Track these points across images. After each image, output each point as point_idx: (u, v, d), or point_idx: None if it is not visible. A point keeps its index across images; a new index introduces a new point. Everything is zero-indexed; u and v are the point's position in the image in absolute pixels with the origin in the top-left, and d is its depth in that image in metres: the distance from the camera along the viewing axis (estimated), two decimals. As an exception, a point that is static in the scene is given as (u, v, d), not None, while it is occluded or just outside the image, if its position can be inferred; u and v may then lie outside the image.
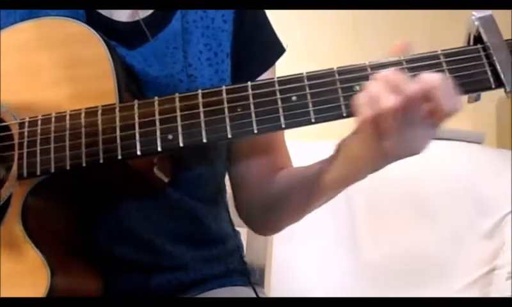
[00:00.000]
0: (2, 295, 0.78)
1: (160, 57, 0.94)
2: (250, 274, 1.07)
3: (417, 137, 0.73)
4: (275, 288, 1.40)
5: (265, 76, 1.00)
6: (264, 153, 1.01)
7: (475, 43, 0.75)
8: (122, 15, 0.97)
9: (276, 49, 1.05)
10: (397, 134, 0.72)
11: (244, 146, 1.02)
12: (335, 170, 0.83)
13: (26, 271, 0.78)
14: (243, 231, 1.20)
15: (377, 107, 0.70)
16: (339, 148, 0.81)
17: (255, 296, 0.97)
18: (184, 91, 0.92)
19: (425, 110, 0.71)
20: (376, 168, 0.79)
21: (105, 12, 0.97)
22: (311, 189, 0.89)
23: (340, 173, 0.82)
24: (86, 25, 0.86)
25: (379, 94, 0.70)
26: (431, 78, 0.70)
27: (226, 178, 1.08)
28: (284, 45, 1.06)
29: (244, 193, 1.04)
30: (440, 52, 0.74)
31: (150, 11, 0.98)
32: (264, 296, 1.03)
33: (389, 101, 0.70)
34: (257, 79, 0.98)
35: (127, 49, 0.93)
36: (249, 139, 0.99)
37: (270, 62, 1.03)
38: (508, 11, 0.87)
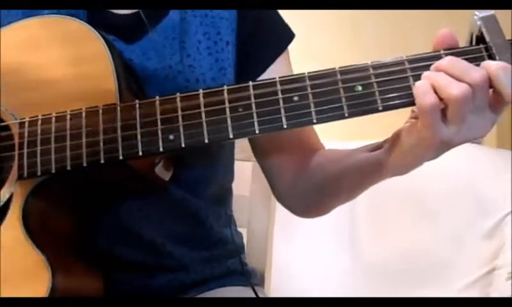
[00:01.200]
0: (3, 296, 0.78)
1: (158, 49, 0.94)
2: (250, 275, 1.07)
3: (480, 123, 0.72)
4: (275, 288, 1.40)
5: (278, 62, 1.00)
6: (294, 140, 1.00)
7: (477, 43, 0.74)
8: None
9: (282, 36, 1.04)
10: (461, 122, 0.70)
11: (273, 138, 1.00)
12: (389, 160, 0.81)
13: (27, 272, 0.78)
14: (244, 232, 1.20)
15: (444, 95, 0.69)
16: (393, 141, 0.80)
17: (254, 296, 0.98)
18: (183, 82, 0.93)
19: (490, 96, 0.71)
20: (433, 157, 0.77)
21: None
22: (360, 177, 0.88)
23: (393, 164, 0.81)
24: (86, 24, 0.85)
25: (445, 82, 0.69)
26: (494, 65, 0.70)
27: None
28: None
29: (283, 183, 1.03)
30: (442, 52, 0.73)
31: None
32: (263, 296, 1.03)
33: (457, 89, 0.68)
34: (267, 70, 0.99)
35: (125, 44, 0.93)
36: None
37: (277, 52, 1.02)
38: (508, 11, 0.87)
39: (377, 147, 0.86)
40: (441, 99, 0.69)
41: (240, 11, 0.99)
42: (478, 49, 0.73)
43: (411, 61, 0.73)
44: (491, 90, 0.71)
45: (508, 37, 0.73)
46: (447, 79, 0.69)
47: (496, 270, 1.86)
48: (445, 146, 0.74)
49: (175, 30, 0.96)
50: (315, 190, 0.98)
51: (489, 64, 0.70)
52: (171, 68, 0.93)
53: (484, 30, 0.72)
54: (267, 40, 1.01)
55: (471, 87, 0.68)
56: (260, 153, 1.04)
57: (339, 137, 2.06)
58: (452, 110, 0.69)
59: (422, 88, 0.70)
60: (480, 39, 0.73)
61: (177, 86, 0.92)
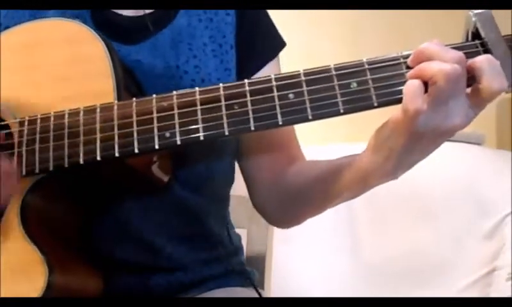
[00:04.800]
0: (1, 292, 0.78)
1: (164, 50, 0.95)
2: (250, 275, 1.07)
3: (455, 110, 0.70)
4: (275, 289, 1.40)
5: (267, 69, 1.01)
6: (275, 147, 1.01)
7: (473, 39, 0.74)
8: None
9: (276, 43, 1.06)
10: (444, 102, 0.69)
11: (254, 142, 1.02)
12: (364, 159, 0.80)
13: (24, 268, 0.78)
14: (243, 232, 1.20)
15: (435, 70, 0.68)
16: (369, 140, 0.79)
17: (253, 296, 0.98)
18: (189, 82, 0.94)
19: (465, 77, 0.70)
20: (408, 151, 0.74)
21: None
22: (334, 182, 0.86)
23: (369, 162, 0.79)
24: (85, 26, 0.86)
25: (435, 65, 0.69)
26: (480, 57, 0.70)
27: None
28: (284, 39, 1.06)
29: (260, 189, 1.04)
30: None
31: None
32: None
33: (449, 66, 0.68)
34: (259, 72, 1.01)
35: (131, 44, 0.94)
36: (259, 134, 0.99)
37: (270, 56, 1.04)
38: (508, 11, 0.87)
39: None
40: (426, 82, 0.69)
41: (239, 17, 1.01)
42: (473, 45, 0.73)
43: (406, 57, 0.73)
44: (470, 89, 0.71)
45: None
46: (436, 63, 0.69)
47: (496, 270, 1.86)
48: (417, 139, 0.72)
49: (181, 34, 0.97)
50: (290, 198, 0.98)
51: (475, 59, 0.70)
52: (178, 68, 0.94)
53: (479, 25, 0.72)
54: (260, 45, 1.03)
55: (450, 66, 0.68)
56: (240, 157, 1.05)
57: (339, 139, 2.06)
58: (439, 86, 0.68)
59: (411, 92, 0.69)
60: (476, 35, 0.73)
61: (183, 86, 0.92)
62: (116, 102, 0.81)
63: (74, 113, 0.81)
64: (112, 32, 0.91)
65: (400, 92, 0.71)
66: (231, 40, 0.99)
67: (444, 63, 0.68)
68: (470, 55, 0.71)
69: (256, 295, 0.99)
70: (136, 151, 0.77)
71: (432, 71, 0.68)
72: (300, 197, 0.96)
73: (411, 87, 0.69)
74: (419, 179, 1.91)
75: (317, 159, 0.97)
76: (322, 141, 1.91)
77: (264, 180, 1.02)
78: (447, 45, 0.72)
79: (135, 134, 0.77)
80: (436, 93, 0.68)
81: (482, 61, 0.69)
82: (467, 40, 0.75)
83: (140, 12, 0.98)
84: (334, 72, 0.74)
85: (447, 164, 1.92)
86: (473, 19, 0.73)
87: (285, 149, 1.02)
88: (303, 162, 1.01)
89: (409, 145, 0.73)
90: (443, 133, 0.71)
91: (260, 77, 0.77)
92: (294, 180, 0.97)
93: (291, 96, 0.74)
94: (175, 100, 0.78)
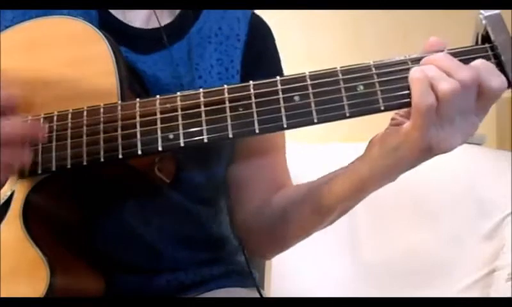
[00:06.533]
0: (2, 293, 0.78)
1: (172, 66, 0.95)
2: (250, 276, 1.07)
3: (465, 126, 0.71)
4: (275, 289, 1.40)
5: None
6: (264, 172, 1.02)
7: (483, 42, 0.74)
8: (135, 20, 0.98)
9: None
10: (449, 121, 0.70)
11: (244, 166, 1.02)
12: (363, 170, 0.80)
13: (26, 269, 0.78)
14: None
15: (434, 90, 0.69)
16: (370, 147, 0.80)
17: (254, 296, 0.97)
18: None
19: (475, 94, 0.70)
20: (411, 164, 0.76)
21: (118, 15, 0.98)
22: (328, 193, 0.87)
23: (370, 168, 0.80)
24: (89, 24, 0.86)
25: (437, 76, 0.70)
26: (479, 63, 0.70)
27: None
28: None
29: (243, 215, 1.04)
30: (446, 51, 0.73)
31: (167, 21, 0.99)
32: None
33: (447, 84, 0.69)
34: None
35: (139, 54, 0.94)
36: (248, 158, 1.00)
37: None
38: (508, 11, 0.87)
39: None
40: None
41: (248, 44, 1.01)
42: (483, 48, 0.73)
43: (413, 61, 0.73)
44: None
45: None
46: (438, 72, 0.70)
47: (497, 271, 1.86)
48: (428, 152, 0.74)
49: (190, 52, 0.97)
50: (278, 219, 0.98)
51: (476, 64, 0.71)
52: (182, 87, 0.94)
53: (489, 29, 0.72)
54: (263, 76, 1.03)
55: (460, 85, 0.69)
56: (231, 180, 1.05)
57: (339, 139, 2.06)
58: (441, 107, 0.69)
59: (420, 87, 0.70)
60: (486, 38, 0.73)
61: None
62: (119, 102, 0.80)
63: (77, 113, 0.80)
64: (120, 40, 0.90)
65: (408, 96, 0.71)
66: (237, 65, 1.00)
67: (455, 81, 0.69)
68: (480, 59, 0.71)
69: (257, 295, 0.99)
70: (139, 152, 0.77)
71: (434, 89, 0.69)
72: (289, 215, 0.96)
73: (418, 85, 0.70)
74: (419, 179, 1.91)
75: (302, 182, 0.98)
76: (322, 140, 1.91)
77: (251, 203, 1.02)
78: (457, 48, 0.72)
79: (138, 135, 0.77)
80: (440, 111, 0.70)
81: (476, 66, 0.70)
82: (477, 43, 0.75)
83: (149, 24, 0.98)
84: (340, 75, 0.73)
85: (447, 164, 1.91)
86: (484, 22, 0.72)
87: (275, 175, 1.03)
88: (284, 189, 1.01)
89: (420, 158, 0.75)
90: (447, 149, 0.74)
91: (266, 80, 0.77)
92: (283, 200, 0.98)
93: (296, 98, 0.74)
94: (178, 102, 0.77)
